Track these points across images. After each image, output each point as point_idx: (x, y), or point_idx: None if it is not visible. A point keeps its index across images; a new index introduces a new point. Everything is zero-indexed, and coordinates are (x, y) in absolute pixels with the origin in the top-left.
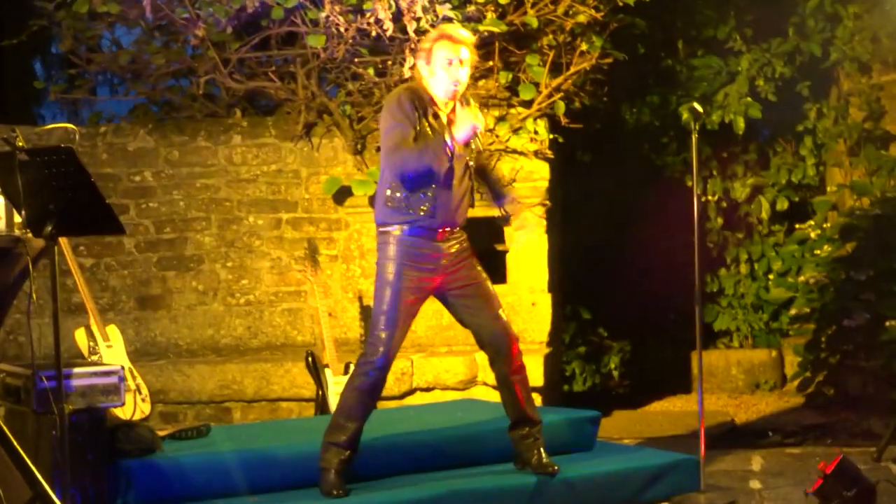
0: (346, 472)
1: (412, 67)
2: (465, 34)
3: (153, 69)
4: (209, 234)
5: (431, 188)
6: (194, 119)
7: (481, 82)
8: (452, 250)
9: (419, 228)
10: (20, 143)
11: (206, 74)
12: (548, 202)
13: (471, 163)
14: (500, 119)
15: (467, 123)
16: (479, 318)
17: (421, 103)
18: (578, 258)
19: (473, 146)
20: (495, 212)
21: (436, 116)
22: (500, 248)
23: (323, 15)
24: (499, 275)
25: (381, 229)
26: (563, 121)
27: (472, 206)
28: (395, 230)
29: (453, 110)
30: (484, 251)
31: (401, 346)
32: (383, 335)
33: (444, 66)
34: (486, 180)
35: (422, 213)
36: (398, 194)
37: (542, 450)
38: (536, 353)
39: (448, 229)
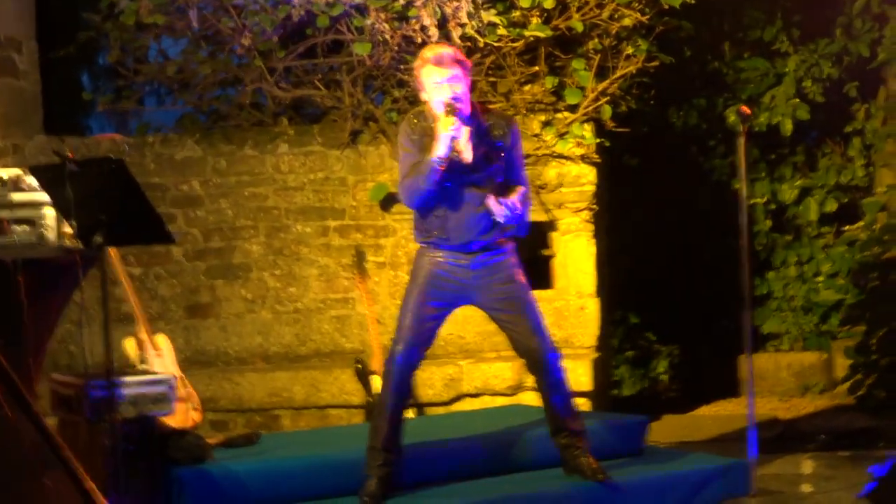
0: (389, 479)
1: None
2: (447, 51)
3: (200, 79)
4: (257, 242)
5: (441, 209)
6: (241, 128)
7: (527, 87)
8: (482, 266)
9: (441, 247)
10: (69, 154)
11: (253, 83)
12: (595, 206)
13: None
14: (547, 124)
15: (441, 135)
16: (515, 332)
17: (425, 128)
18: (626, 262)
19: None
20: (541, 216)
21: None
22: (546, 253)
23: (368, 22)
24: (545, 280)
25: (416, 241)
26: (610, 125)
27: (493, 221)
28: (423, 247)
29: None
30: (529, 257)
31: (424, 350)
32: (402, 335)
33: (435, 88)
34: None
35: (437, 235)
36: (417, 217)
37: (588, 457)
38: (584, 358)
39: (474, 246)
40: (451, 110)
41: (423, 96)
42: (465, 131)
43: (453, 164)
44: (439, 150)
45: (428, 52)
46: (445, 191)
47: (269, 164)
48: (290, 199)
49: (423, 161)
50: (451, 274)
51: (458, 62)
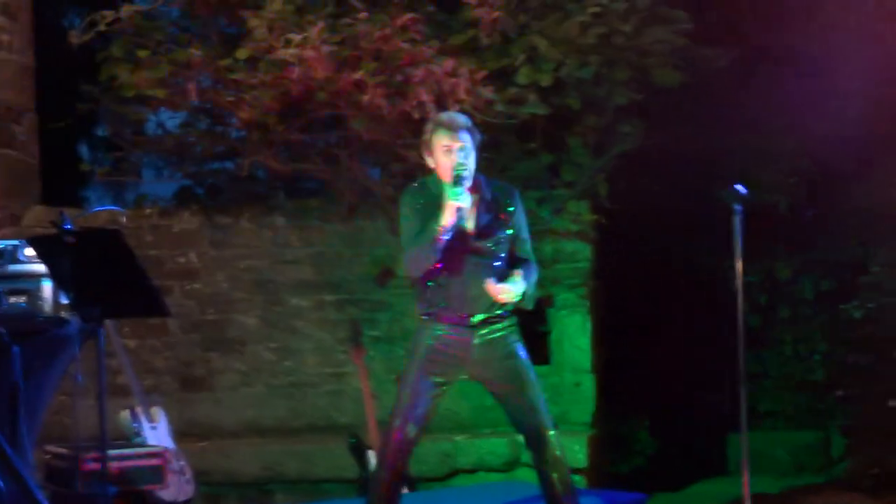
0: None
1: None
2: (461, 118)
3: (198, 152)
4: (253, 315)
5: (443, 279)
6: (238, 201)
7: (523, 164)
8: (484, 341)
9: (442, 320)
10: (69, 225)
11: (250, 157)
12: (590, 283)
13: (497, 250)
14: (542, 201)
15: (448, 203)
16: (514, 408)
17: (428, 197)
18: (621, 332)
19: (477, 230)
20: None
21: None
22: (543, 329)
23: (366, 98)
24: (541, 356)
25: (416, 315)
26: (606, 202)
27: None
28: (423, 320)
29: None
30: (527, 332)
31: (423, 426)
32: (400, 411)
33: (444, 153)
34: None
35: (438, 306)
36: (419, 287)
37: None
38: (580, 434)
39: (476, 319)
40: (458, 179)
41: (430, 162)
42: (471, 200)
43: (458, 234)
44: (445, 220)
45: (442, 116)
46: (449, 261)
47: (265, 237)
48: (287, 273)
49: (429, 229)
50: (451, 349)
51: (470, 130)
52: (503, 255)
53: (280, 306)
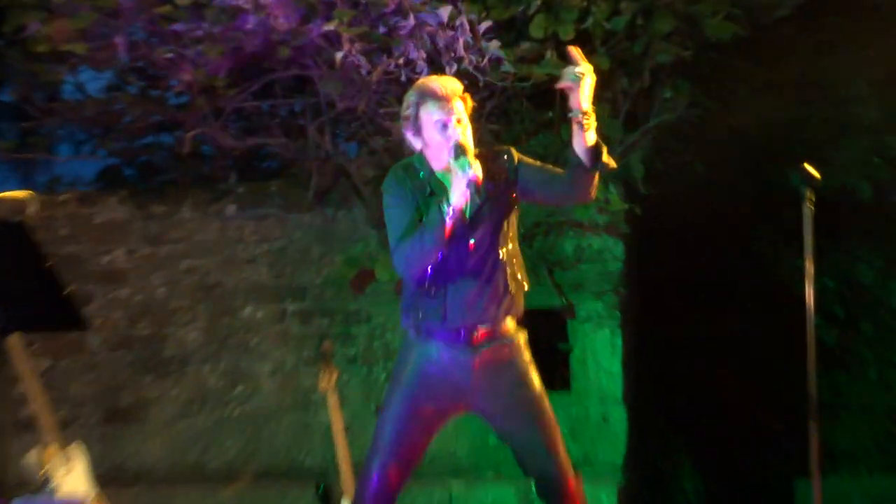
0: None
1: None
2: (450, 82)
3: (127, 122)
4: (195, 328)
5: (436, 284)
6: (178, 185)
7: (538, 138)
8: (487, 362)
9: (434, 336)
10: None
11: (195, 129)
12: (622, 289)
13: (504, 245)
14: None
15: (458, 177)
16: (524, 448)
17: (417, 182)
18: (660, 352)
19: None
20: (554, 299)
21: (434, 193)
22: (562, 346)
23: (340, 55)
24: (560, 381)
25: (403, 329)
26: (642, 186)
27: (506, 295)
28: (410, 335)
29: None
30: (542, 351)
31: (409, 469)
32: (380, 450)
33: (438, 130)
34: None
35: (430, 317)
36: (407, 293)
37: None
38: (608, 480)
39: (478, 332)
40: (463, 150)
41: (415, 143)
42: (478, 170)
43: (456, 221)
44: (455, 198)
45: (428, 83)
46: (445, 257)
47: (212, 231)
48: (239, 275)
49: (431, 213)
50: (447, 373)
51: (463, 96)
52: (510, 235)
53: (230, 317)
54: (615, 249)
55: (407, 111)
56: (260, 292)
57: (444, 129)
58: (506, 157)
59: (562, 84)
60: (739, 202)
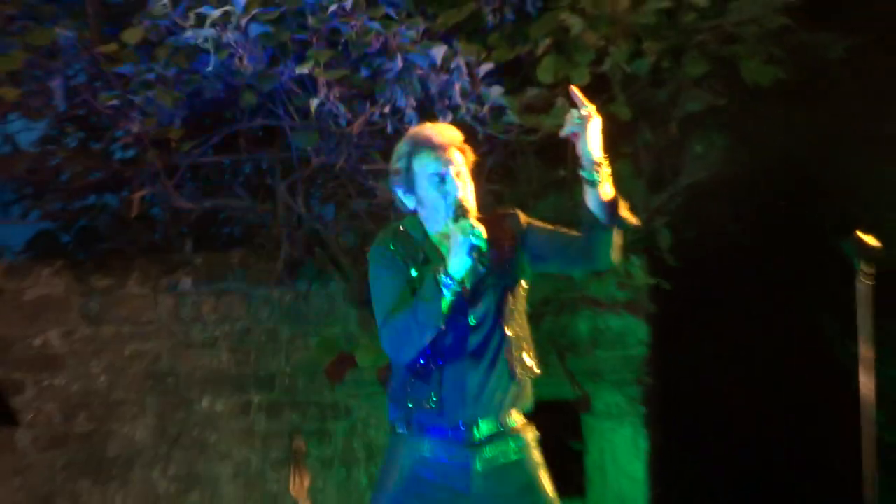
0: None
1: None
2: (451, 131)
3: (64, 180)
4: (144, 424)
5: (436, 366)
6: (124, 254)
7: (547, 201)
8: (491, 466)
9: (428, 432)
10: None
11: (144, 188)
12: (647, 378)
13: (511, 323)
14: None
15: (459, 241)
16: None
17: (411, 246)
18: (693, 453)
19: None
20: (566, 390)
21: (429, 261)
22: (576, 446)
23: (315, 102)
24: (574, 487)
25: (390, 423)
26: (669, 257)
27: (513, 382)
28: (399, 431)
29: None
30: (552, 450)
31: None
32: None
33: (435, 185)
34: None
35: (423, 409)
36: (396, 380)
37: None
38: None
39: (479, 427)
40: (464, 209)
41: (406, 202)
42: (482, 232)
43: (453, 303)
44: (454, 264)
45: (422, 131)
46: (442, 338)
47: (164, 309)
48: (195, 362)
49: (427, 283)
50: (443, 476)
51: (462, 149)
52: (516, 313)
53: (184, 411)
54: (638, 331)
55: (397, 164)
56: (219, 381)
57: (442, 183)
58: (511, 220)
59: (565, 132)
60: (785, 275)
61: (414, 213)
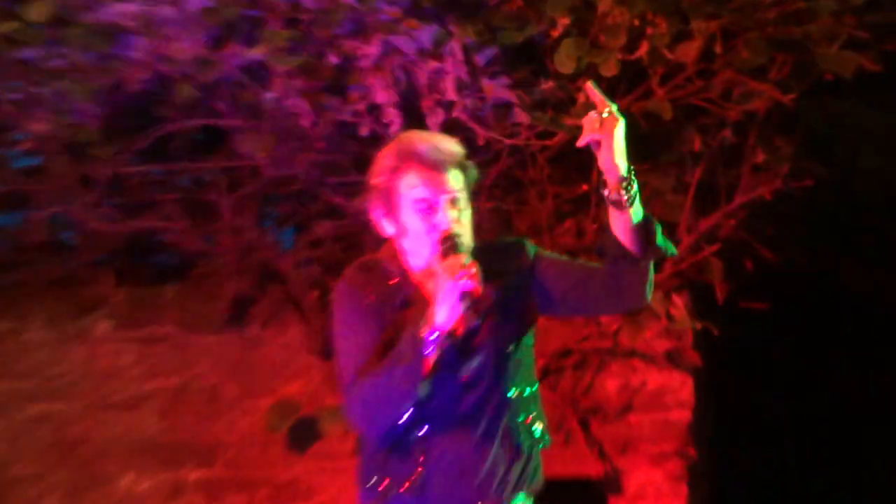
0: None
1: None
2: (450, 145)
3: None
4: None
5: (419, 434)
6: (26, 288)
7: (565, 225)
8: None
9: None
10: None
11: (51, 205)
12: (692, 449)
13: (515, 381)
14: None
15: (447, 285)
16: None
17: (385, 289)
18: None
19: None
20: (589, 465)
21: (411, 304)
22: None
23: (270, 97)
24: None
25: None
26: (721, 295)
27: (518, 457)
28: None
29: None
30: None
31: None
32: None
33: (420, 213)
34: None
35: (405, 491)
36: (368, 450)
37: None
38: None
39: None
40: (455, 246)
41: (385, 227)
42: (475, 276)
43: (446, 348)
44: (440, 315)
45: (413, 141)
46: (428, 401)
47: (76, 360)
48: (115, 427)
49: (404, 338)
50: None
51: (464, 167)
52: (520, 372)
53: (101, 490)
54: (681, 391)
55: (377, 179)
56: (146, 453)
57: (430, 213)
58: (517, 250)
59: (583, 139)
60: (867, 315)
61: (392, 242)
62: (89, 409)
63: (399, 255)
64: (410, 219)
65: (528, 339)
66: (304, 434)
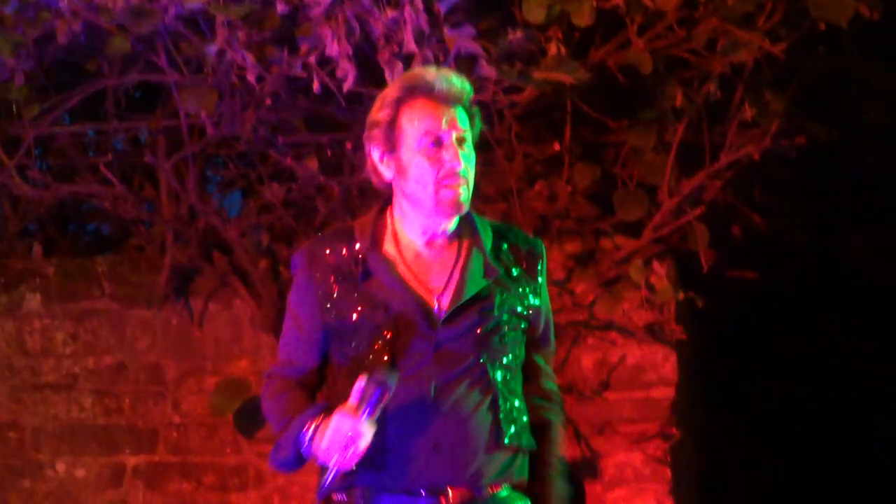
0: None
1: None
2: (461, 81)
3: None
4: None
5: (382, 419)
6: None
7: (536, 186)
8: None
9: (380, 498)
10: None
11: None
12: (674, 430)
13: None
14: (578, 261)
15: (333, 436)
16: None
17: (349, 268)
18: None
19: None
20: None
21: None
22: None
23: (212, 49)
24: None
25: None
26: (706, 263)
27: (498, 445)
28: (340, 499)
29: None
30: None
31: None
32: None
33: (428, 152)
34: None
35: (373, 467)
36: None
37: None
38: None
39: (450, 497)
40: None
41: (382, 170)
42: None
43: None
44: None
45: (422, 73)
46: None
47: (4, 335)
48: (46, 410)
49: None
50: None
51: (471, 110)
52: (511, 357)
53: (31, 477)
54: (662, 366)
55: (379, 113)
56: (81, 438)
57: (436, 148)
58: (537, 254)
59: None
60: (865, 285)
61: (388, 187)
62: (17, 391)
63: (377, 222)
64: (413, 157)
65: (522, 334)
66: (252, 417)
